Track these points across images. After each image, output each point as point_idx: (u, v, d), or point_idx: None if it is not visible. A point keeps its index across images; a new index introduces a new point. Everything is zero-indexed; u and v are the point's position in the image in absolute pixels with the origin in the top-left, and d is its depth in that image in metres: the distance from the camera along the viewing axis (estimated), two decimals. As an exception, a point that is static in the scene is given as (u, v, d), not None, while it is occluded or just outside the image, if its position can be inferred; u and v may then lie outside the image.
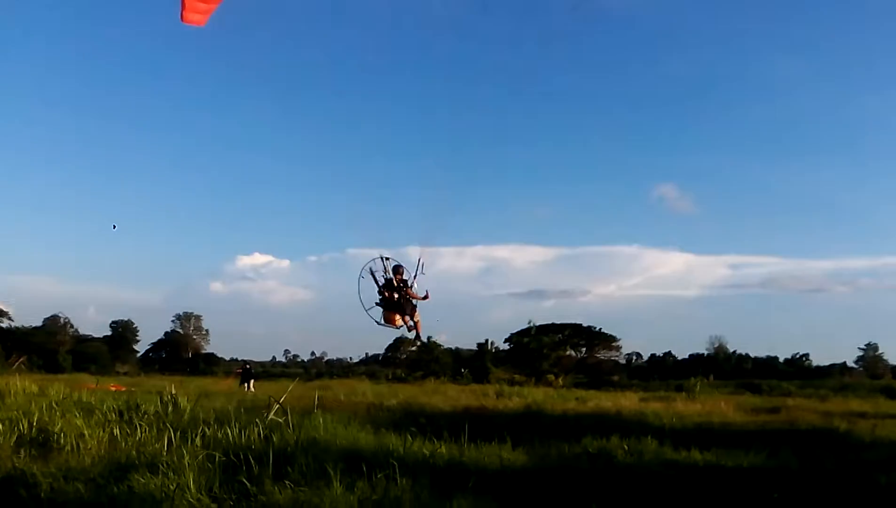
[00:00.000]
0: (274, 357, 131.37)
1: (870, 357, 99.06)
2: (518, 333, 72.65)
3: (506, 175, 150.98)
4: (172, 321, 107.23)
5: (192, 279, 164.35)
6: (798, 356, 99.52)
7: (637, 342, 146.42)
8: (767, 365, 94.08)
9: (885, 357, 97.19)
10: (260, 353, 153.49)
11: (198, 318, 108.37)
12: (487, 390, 38.42)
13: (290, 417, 12.48)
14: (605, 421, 17.26)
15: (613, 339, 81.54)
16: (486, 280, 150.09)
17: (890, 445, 15.74)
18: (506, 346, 76.84)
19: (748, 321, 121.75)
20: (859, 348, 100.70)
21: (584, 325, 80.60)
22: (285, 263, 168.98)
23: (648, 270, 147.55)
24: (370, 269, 14.86)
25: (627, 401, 27.56)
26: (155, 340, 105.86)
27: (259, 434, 11.39)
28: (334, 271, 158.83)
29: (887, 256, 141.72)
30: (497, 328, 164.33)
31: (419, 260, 14.68)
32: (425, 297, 15.87)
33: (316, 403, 18.12)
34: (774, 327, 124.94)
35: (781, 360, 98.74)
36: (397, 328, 16.62)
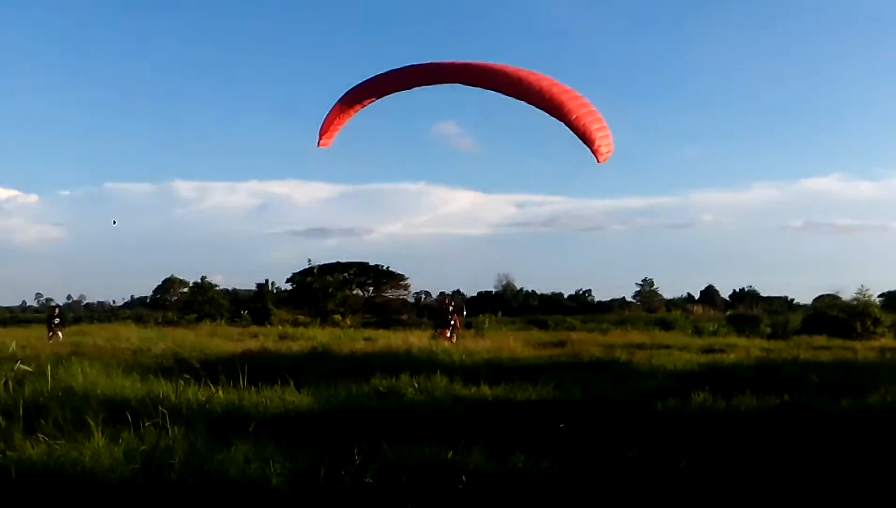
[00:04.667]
0: (24, 302, 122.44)
1: (646, 292, 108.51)
2: (300, 272, 72.00)
3: (278, 108, 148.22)
4: None
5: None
6: (581, 292, 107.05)
7: (426, 280, 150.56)
8: (553, 301, 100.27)
9: (659, 292, 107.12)
10: (7, 297, 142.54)
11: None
12: (269, 332, 38.03)
13: (42, 366, 11.61)
14: (395, 360, 17.61)
15: (402, 278, 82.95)
16: (263, 217, 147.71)
17: (665, 373, 17.31)
18: (288, 286, 76.22)
19: (534, 258, 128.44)
20: (636, 283, 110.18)
21: (371, 264, 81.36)
22: (33, 197, 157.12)
23: (436, 208, 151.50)
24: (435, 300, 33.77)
25: (417, 339, 28.28)
26: None
27: (6, 385, 10.55)
28: (91, 207, 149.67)
29: (659, 196, 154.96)
30: (277, 268, 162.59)
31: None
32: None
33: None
34: (559, 264, 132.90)
35: (566, 296, 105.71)
36: (445, 339, 28.50)
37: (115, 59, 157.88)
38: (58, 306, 45.76)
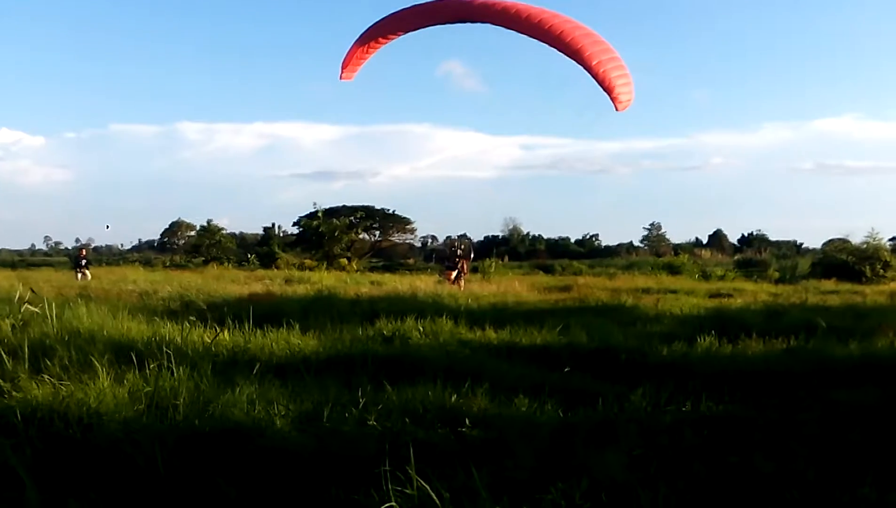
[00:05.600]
0: (33, 245, 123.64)
1: (653, 236, 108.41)
2: (307, 216, 71.89)
3: (282, 50, 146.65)
4: None
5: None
6: (588, 237, 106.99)
7: (432, 224, 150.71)
8: (560, 246, 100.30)
9: (667, 236, 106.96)
10: (16, 240, 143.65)
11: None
12: (276, 275, 38.14)
13: (49, 307, 11.63)
14: (401, 304, 17.62)
15: (408, 221, 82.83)
16: (269, 160, 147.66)
17: (671, 318, 17.34)
18: (294, 230, 76.24)
19: (541, 202, 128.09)
20: (644, 227, 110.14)
21: (377, 207, 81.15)
22: (39, 139, 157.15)
23: (442, 150, 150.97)
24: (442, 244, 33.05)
25: (423, 283, 28.32)
26: None
27: (13, 327, 10.59)
28: (97, 149, 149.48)
29: (668, 138, 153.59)
30: (284, 211, 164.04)
31: None
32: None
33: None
34: (566, 208, 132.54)
35: (573, 240, 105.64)
36: (450, 282, 28.60)
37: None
38: (84, 247, 46.95)
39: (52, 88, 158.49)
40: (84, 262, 36.78)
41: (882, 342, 12.62)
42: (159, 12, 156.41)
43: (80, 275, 34.23)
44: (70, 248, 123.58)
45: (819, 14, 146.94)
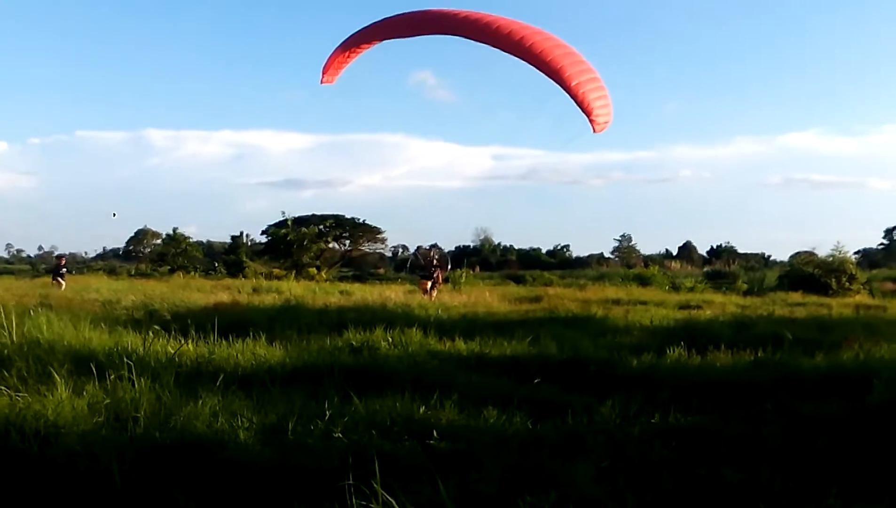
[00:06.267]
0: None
1: (624, 248, 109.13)
2: (275, 224, 71.44)
3: (251, 58, 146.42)
4: None
5: None
6: (559, 248, 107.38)
7: (403, 234, 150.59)
8: (531, 256, 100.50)
9: (637, 248, 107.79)
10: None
11: None
12: (243, 284, 37.83)
13: (6, 317, 11.40)
14: (370, 314, 17.53)
15: (378, 231, 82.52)
16: (238, 168, 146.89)
17: (641, 329, 17.39)
18: (263, 238, 75.72)
19: (512, 212, 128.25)
20: (615, 239, 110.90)
21: (348, 216, 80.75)
22: (2, 145, 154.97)
23: (413, 160, 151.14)
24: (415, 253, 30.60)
25: (393, 293, 28.22)
26: None
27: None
28: (62, 156, 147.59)
29: (638, 150, 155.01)
30: (252, 220, 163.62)
31: None
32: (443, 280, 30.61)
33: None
34: (537, 218, 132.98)
35: (544, 251, 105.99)
36: (422, 293, 28.26)
37: (86, 4, 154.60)
38: (63, 256, 46.37)
39: (16, 93, 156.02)
40: (63, 271, 36.39)
41: (847, 354, 12.74)
42: (127, 18, 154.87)
43: (56, 283, 33.83)
44: (32, 256, 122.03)
45: (786, 31, 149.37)
